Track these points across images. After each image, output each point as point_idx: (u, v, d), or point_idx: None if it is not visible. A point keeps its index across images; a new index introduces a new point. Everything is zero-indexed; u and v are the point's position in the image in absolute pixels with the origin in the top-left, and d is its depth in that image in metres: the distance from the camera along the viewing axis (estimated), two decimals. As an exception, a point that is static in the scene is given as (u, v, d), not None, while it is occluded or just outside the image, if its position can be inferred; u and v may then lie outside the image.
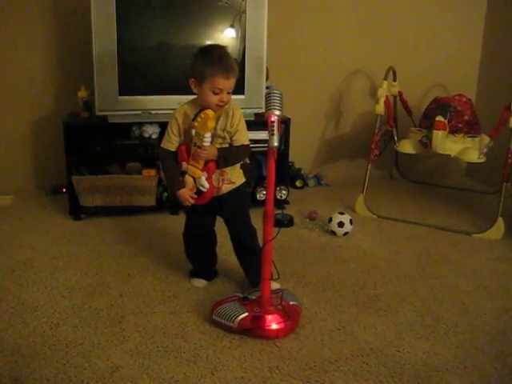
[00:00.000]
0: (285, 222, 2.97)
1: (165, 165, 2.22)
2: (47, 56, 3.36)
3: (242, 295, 2.06)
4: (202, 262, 2.40)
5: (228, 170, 2.17)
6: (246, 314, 1.96)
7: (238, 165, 2.25)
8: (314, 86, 3.78)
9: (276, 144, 1.88)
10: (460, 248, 2.83)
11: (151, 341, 1.94)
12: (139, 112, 2.99)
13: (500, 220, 2.93)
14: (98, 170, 3.10)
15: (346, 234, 2.92)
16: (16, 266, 2.49)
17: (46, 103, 3.42)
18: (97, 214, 3.09)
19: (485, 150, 3.02)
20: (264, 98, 1.96)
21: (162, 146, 2.18)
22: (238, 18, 3.06)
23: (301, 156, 3.74)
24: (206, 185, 2.10)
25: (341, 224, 2.90)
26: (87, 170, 3.13)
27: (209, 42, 3.09)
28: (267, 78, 3.23)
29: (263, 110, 2.02)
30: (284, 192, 3.33)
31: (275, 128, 1.88)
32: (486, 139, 3.07)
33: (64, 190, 3.29)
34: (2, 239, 2.79)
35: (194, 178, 2.11)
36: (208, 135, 2.03)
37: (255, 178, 3.33)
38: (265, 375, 1.77)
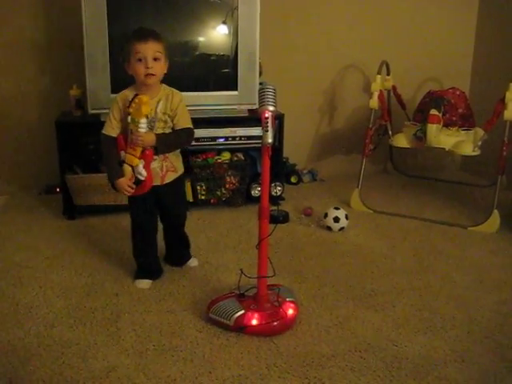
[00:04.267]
0: (280, 219, 2.96)
1: (104, 152, 2.17)
2: (38, 55, 3.33)
3: (238, 292, 2.05)
4: (150, 258, 2.36)
5: (170, 155, 2.18)
6: (243, 311, 1.95)
7: (179, 152, 2.26)
8: (307, 82, 3.77)
9: (270, 140, 1.87)
10: (456, 241, 2.83)
11: (147, 340, 1.92)
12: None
13: (495, 213, 2.93)
14: (91, 169, 3.08)
15: (341, 229, 2.91)
16: (10, 267, 2.47)
17: (38, 102, 3.40)
18: (91, 213, 3.07)
19: (479, 143, 3.01)
20: (257, 94, 1.94)
21: (102, 131, 2.15)
22: (230, 14, 3.04)
23: (295, 152, 3.73)
24: (144, 173, 2.08)
25: (336, 219, 2.89)
26: (81, 169, 3.11)
27: (201, 39, 3.09)
28: (260, 73, 3.21)
29: (257, 106, 2.00)
30: (279, 188, 3.31)
31: (269, 124, 1.86)
32: (481, 132, 3.07)
33: (58, 189, 3.27)
34: (-5, 240, 2.77)
35: (132, 167, 2.08)
36: (143, 121, 2.01)
37: (250, 175, 3.31)
38: (262, 372, 1.76)
